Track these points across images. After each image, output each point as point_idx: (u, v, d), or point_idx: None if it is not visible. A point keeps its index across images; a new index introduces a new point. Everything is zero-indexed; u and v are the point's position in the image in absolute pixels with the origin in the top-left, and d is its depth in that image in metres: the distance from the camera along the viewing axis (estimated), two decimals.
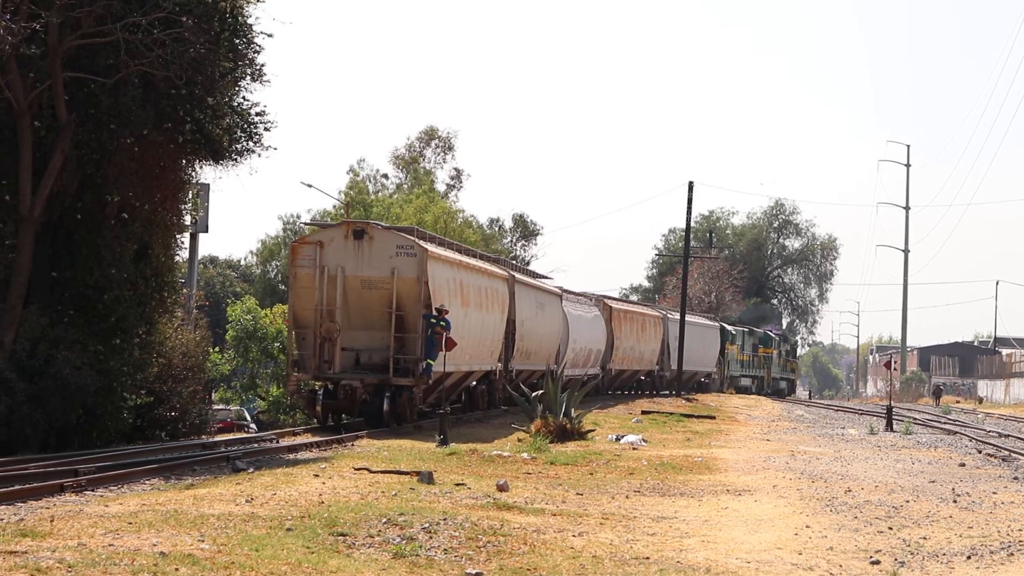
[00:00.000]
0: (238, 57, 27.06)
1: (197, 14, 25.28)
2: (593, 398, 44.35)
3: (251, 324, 46.66)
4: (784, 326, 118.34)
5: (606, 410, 41.94)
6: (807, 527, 14.79)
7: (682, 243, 75.25)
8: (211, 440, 27.69)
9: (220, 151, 27.61)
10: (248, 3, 27.12)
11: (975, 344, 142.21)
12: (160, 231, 28.44)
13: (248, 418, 47.89)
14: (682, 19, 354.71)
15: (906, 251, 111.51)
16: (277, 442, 25.91)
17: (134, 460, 21.24)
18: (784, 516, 15.82)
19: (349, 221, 30.28)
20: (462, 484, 17.44)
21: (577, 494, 17.61)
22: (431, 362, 29.05)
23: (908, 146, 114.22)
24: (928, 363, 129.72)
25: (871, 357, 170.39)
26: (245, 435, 29.99)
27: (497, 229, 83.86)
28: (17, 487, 16.87)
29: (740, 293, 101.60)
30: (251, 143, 28.09)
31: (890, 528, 14.89)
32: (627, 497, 17.66)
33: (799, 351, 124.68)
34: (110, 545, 11.13)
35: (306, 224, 30.59)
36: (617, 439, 28.49)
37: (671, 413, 42.07)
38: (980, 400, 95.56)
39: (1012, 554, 13.16)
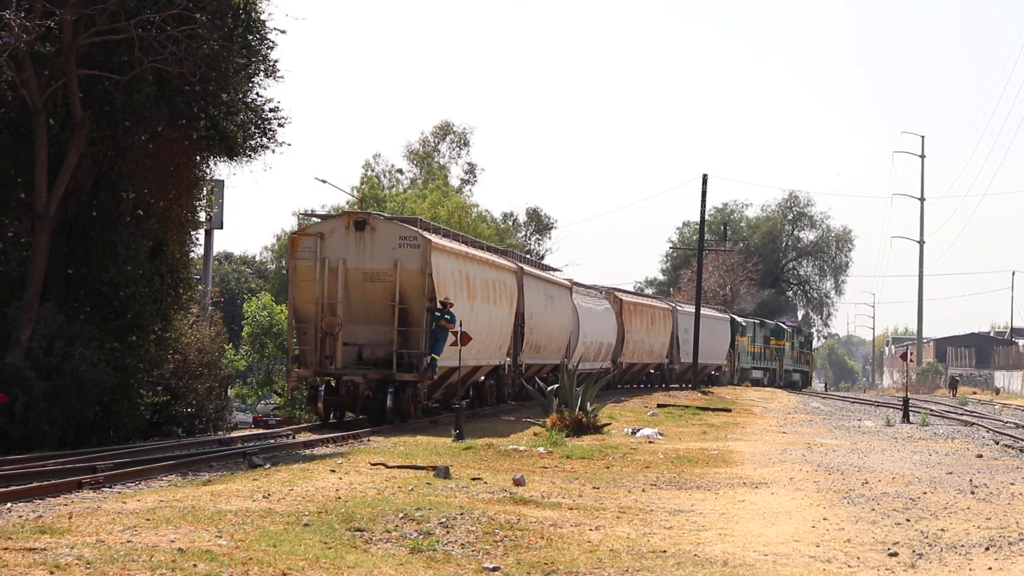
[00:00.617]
0: (252, 53, 27.07)
1: (211, 10, 25.29)
2: (604, 392, 44.13)
3: (267, 320, 46.70)
4: (799, 318, 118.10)
5: (621, 404, 41.93)
6: (824, 519, 14.76)
7: (696, 236, 75.06)
8: (227, 436, 27.73)
9: (234, 147, 27.61)
10: None
11: (991, 335, 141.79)
12: (175, 228, 28.46)
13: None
14: (695, 11, 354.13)
15: (921, 242, 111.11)
16: (293, 438, 25.95)
17: (151, 456, 21.31)
18: (801, 508, 15.79)
19: (350, 212, 29.80)
20: (478, 479, 17.45)
21: (593, 488, 17.60)
22: (435, 356, 28.48)
23: (923, 137, 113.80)
24: (944, 354, 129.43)
25: (887, 349, 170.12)
26: (261, 431, 29.96)
27: (511, 223, 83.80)
28: (35, 484, 16.93)
29: (755, 286, 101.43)
30: (265, 139, 28.10)
31: (908, 520, 14.85)
32: (644, 491, 17.64)
33: (815, 343, 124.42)
34: (128, 541, 11.15)
35: (305, 215, 29.79)
36: (633, 433, 28.48)
37: (687, 406, 42.09)
38: (997, 391, 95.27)
39: None
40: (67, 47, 24.70)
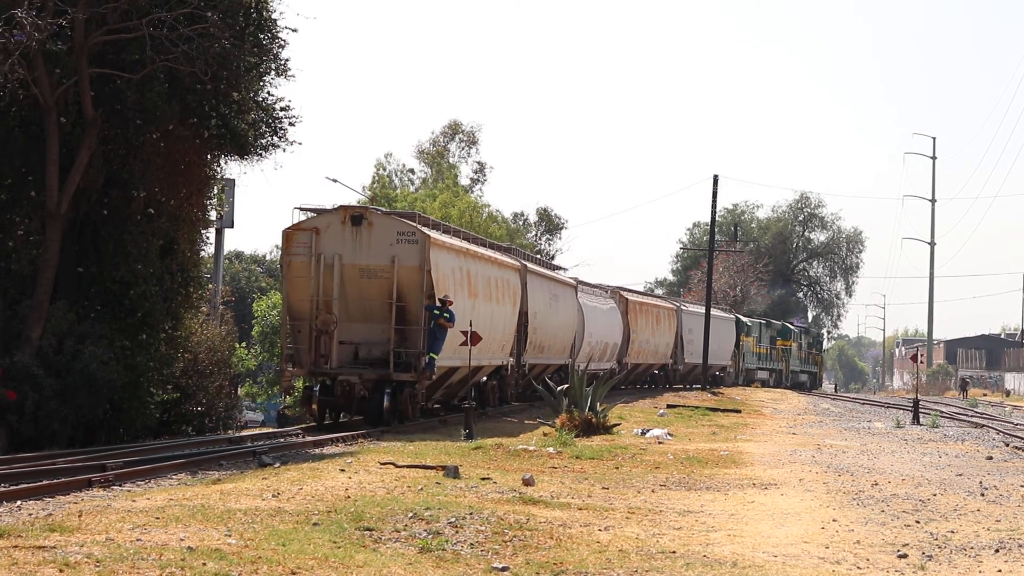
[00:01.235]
0: (263, 52, 27.09)
1: (222, 9, 25.33)
2: (610, 393, 43.65)
3: (277, 319, 46.77)
4: (809, 319, 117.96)
5: (630, 404, 41.89)
6: (834, 521, 14.74)
7: (707, 237, 75.00)
8: (237, 435, 27.75)
9: (245, 146, 27.64)
10: None
11: (1002, 337, 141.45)
12: (186, 226, 28.49)
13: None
14: (706, 12, 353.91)
15: (932, 244, 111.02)
16: (303, 437, 25.93)
17: (161, 455, 21.33)
18: (811, 510, 15.77)
19: (347, 206, 28.49)
20: (488, 478, 17.45)
21: (603, 488, 17.59)
22: (434, 356, 27.64)
23: (934, 138, 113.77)
24: (955, 356, 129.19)
25: (897, 350, 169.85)
26: (271, 430, 29.98)
27: (522, 223, 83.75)
28: (45, 482, 16.97)
29: (765, 287, 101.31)
30: (276, 138, 28.12)
31: (917, 522, 14.83)
32: (653, 491, 17.63)
33: (825, 344, 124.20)
34: (138, 540, 11.16)
35: (300, 209, 28.69)
36: (642, 433, 28.45)
37: (696, 407, 42.07)
38: (1007, 393, 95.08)
39: None
40: (79, 45, 24.75)
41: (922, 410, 41.18)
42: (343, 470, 17.92)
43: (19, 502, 15.26)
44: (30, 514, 14.00)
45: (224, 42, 24.95)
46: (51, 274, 25.38)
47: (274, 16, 27.18)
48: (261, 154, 28.19)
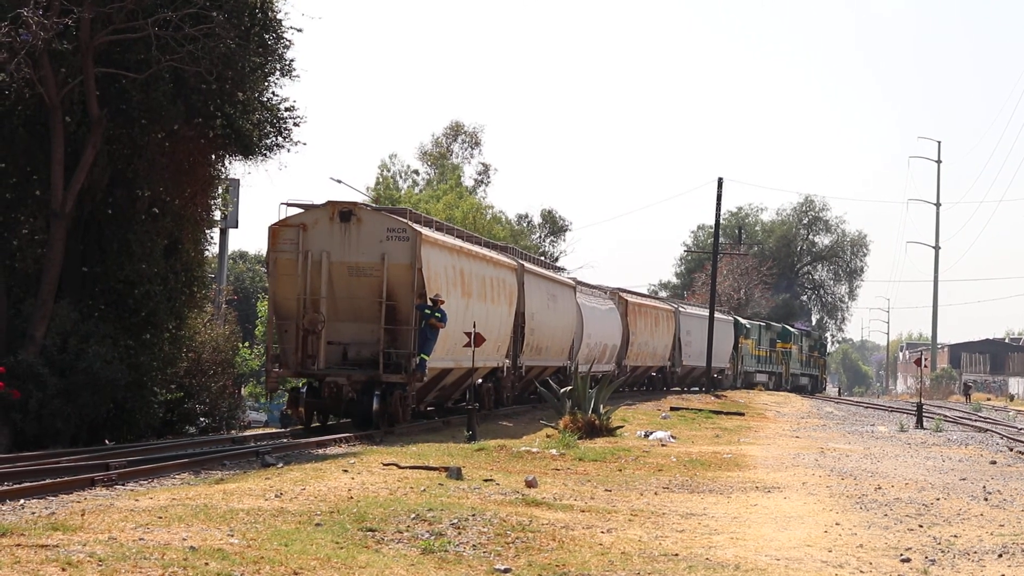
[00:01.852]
0: (268, 52, 27.10)
1: (227, 9, 25.35)
2: (611, 396, 43.21)
3: None
4: (813, 323, 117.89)
5: (633, 407, 41.88)
6: (837, 524, 14.72)
7: (711, 240, 74.87)
8: (240, 435, 27.75)
9: (250, 146, 27.65)
10: None
11: (1006, 341, 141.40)
12: (190, 226, 28.51)
13: None
14: (711, 14, 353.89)
15: (937, 248, 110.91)
16: (306, 437, 25.89)
17: (164, 454, 21.36)
18: (814, 513, 15.75)
19: (335, 201, 27.59)
20: (491, 480, 17.44)
21: (606, 490, 17.58)
22: (425, 357, 26.88)
23: (939, 142, 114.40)
24: (959, 360, 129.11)
25: (901, 354, 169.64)
26: (274, 429, 29.95)
27: (526, 225, 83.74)
28: (48, 481, 16.99)
29: (769, 290, 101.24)
30: (280, 138, 28.12)
31: (920, 526, 14.82)
32: (656, 494, 17.62)
33: (829, 348, 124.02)
34: (140, 539, 11.17)
35: (287, 205, 27.75)
36: (646, 435, 28.45)
37: (700, 410, 42.04)
38: (1011, 397, 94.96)
39: None
40: (84, 45, 24.78)
41: (926, 414, 41.14)
42: (346, 471, 17.92)
43: (22, 501, 15.28)
44: (33, 513, 14.01)
45: (229, 42, 24.96)
46: (55, 273, 25.41)
47: (279, 16, 27.22)
48: (266, 154, 28.20)
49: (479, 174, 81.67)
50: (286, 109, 28.19)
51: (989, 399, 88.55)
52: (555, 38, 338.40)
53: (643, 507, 16.01)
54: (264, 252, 29.78)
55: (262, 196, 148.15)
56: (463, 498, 15.27)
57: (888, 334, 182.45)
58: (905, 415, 46.43)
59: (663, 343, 59.02)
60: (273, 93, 28.08)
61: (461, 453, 21.65)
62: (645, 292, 73.88)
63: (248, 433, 28.79)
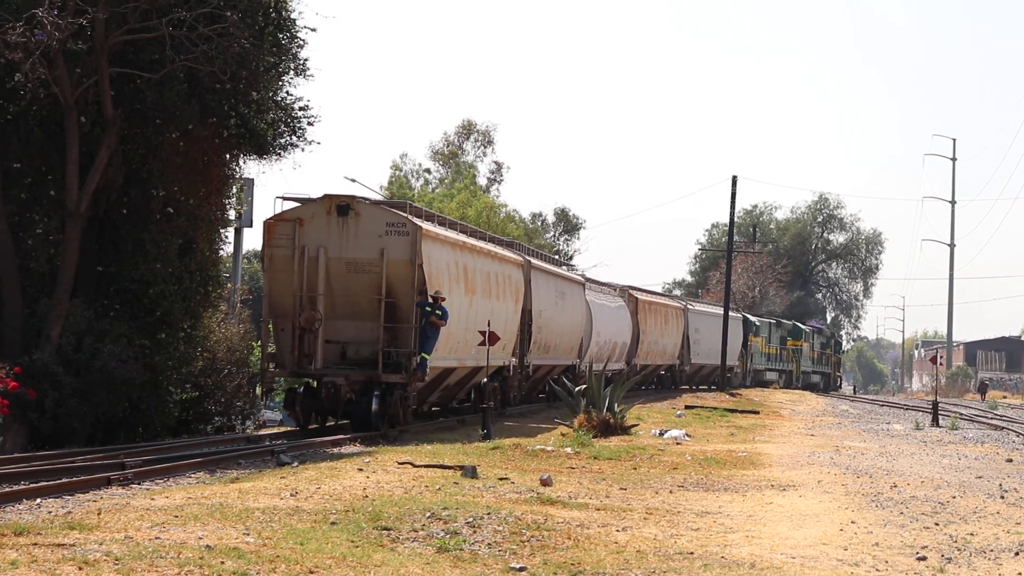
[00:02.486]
0: (282, 52, 27.14)
1: (242, 9, 25.39)
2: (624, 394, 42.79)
3: None
4: (828, 321, 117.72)
5: (648, 405, 41.84)
6: (852, 523, 14.69)
7: (725, 238, 74.77)
8: (255, 434, 27.77)
9: (264, 146, 27.70)
10: None
11: (1022, 339, 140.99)
12: (205, 226, 28.56)
13: None
14: (725, 13, 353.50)
15: (952, 245, 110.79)
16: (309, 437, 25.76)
17: (180, 454, 21.39)
18: (829, 511, 15.72)
19: (332, 195, 26.49)
20: (506, 478, 17.44)
21: (621, 489, 17.57)
22: (426, 356, 26.05)
23: (954, 140, 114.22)
24: (974, 358, 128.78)
25: (916, 352, 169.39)
26: (288, 429, 29.95)
27: (540, 223, 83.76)
28: (64, 480, 17.04)
29: (784, 288, 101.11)
30: (295, 137, 28.17)
31: (936, 524, 14.77)
32: (671, 492, 17.60)
33: (844, 346, 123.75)
34: (156, 538, 11.18)
35: (282, 199, 27.15)
36: (660, 434, 28.43)
37: (714, 408, 42.03)
38: None
39: None
40: (99, 45, 24.83)
41: (941, 412, 41.05)
42: (361, 469, 17.93)
43: (39, 500, 15.32)
44: (50, 512, 14.05)
45: (243, 42, 25.00)
46: (70, 273, 25.48)
47: (293, 16, 27.27)
48: (280, 154, 28.25)
49: (492, 172, 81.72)
50: (300, 108, 28.24)
51: (1005, 397, 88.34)
52: (568, 36, 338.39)
53: (658, 505, 15.99)
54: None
55: (276, 195, 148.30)
56: (478, 497, 15.27)
57: (903, 332, 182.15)
58: (921, 413, 46.34)
59: (672, 341, 58.41)
60: (287, 92, 28.17)
61: (476, 452, 21.65)
62: (656, 289, 73.70)
63: (263, 432, 28.79)
